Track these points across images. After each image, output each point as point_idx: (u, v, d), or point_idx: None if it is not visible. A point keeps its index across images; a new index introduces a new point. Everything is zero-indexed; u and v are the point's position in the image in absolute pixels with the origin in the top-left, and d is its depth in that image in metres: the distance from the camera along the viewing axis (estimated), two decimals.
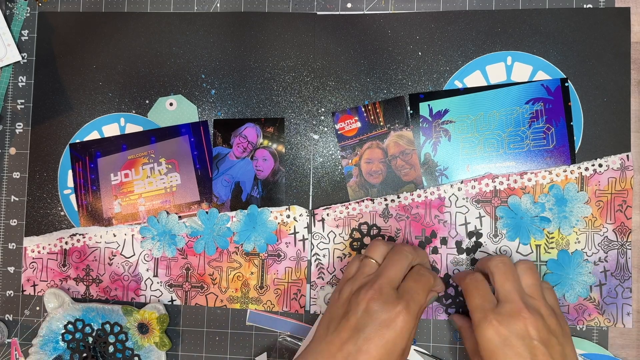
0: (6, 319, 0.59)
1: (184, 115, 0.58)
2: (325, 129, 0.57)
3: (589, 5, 0.55)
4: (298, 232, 0.56)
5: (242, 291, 0.57)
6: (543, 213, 0.54)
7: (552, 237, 0.54)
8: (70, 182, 0.59)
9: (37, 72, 0.59)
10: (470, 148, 0.55)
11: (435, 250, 0.55)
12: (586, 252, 0.54)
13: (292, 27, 0.57)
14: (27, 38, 0.60)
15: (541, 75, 0.55)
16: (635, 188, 0.54)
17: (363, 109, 0.56)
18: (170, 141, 0.58)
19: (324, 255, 0.56)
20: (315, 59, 0.57)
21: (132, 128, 0.59)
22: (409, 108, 0.56)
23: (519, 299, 0.45)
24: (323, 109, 0.57)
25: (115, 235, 0.58)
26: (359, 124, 0.57)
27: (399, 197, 0.56)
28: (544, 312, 0.45)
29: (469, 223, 0.55)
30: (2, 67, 0.59)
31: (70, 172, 0.59)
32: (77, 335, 0.56)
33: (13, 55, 0.59)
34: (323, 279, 0.56)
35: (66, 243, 0.58)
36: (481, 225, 0.55)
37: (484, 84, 0.56)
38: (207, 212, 0.57)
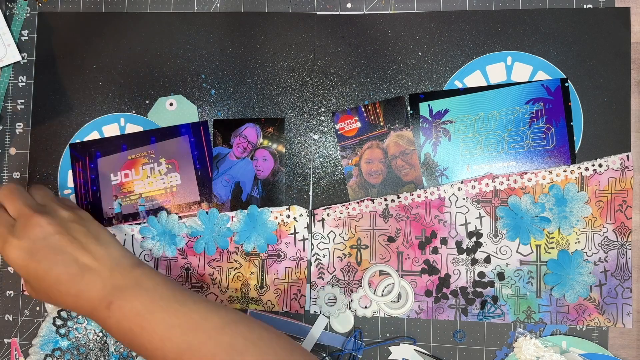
0: (6, 319, 0.59)
1: (184, 115, 0.58)
2: (325, 129, 0.57)
3: (589, 5, 0.55)
4: (298, 232, 0.56)
5: (242, 291, 0.57)
6: (543, 213, 0.54)
7: (552, 237, 0.54)
8: (70, 182, 0.59)
9: (37, 72, 0.59)
10: (470, 148, 0.55)
11: (435, 250, 0.55)
12: (586, 252, 0.54)
13: (292, 27, 0.57)
14: (27, 38, 0.60)
15: (541, 75, 0.55)
16: (635, 188, 0.54)
17: (363, 109, 0.56)
18: (170, 141, 0.58)
19: (324, 255, 0.56)
20: (315, 59, 0.57)
21: (132, 128, 0.59)
22: (409, 108, 0.56)
23: (29, 209, 0.47)
24: (323, 109, 0.57)
25: (115, 235, 0.58)
26: (359, 124, 0.57)
27: (399, 197, 0.56)
28: (59, 209, 0.48)
29: (469, 223, 0.55)
30: (2, 67, 0.59)
31: (70, 172, 0.59)
32: (76, 334, 0.56)
33: (13, 55, 0.59)
34: (323, 279, 0.56)
35: None
36: (481, 225, 0.55)
37: (484, 84, 0.56)
38: (207, 212, 0.57)
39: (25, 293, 0.54)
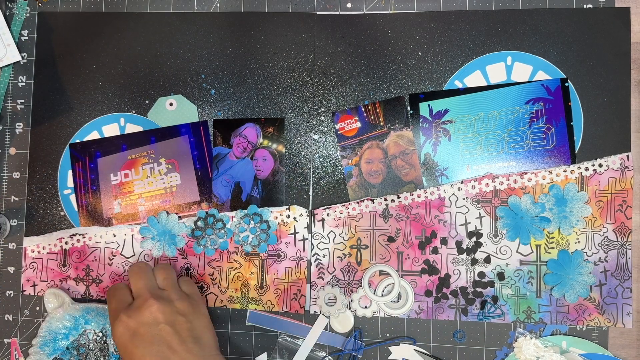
0: (6, 319, 0.59)
1: (184, 115, 0.58)
2: (325, 129, 0.57)
3: (589, 5, 0.55)
4: (298, 232, 0.56)
5: (242, 291, 0.57)
6: (543, 213, 0.54)
7: (552, 237, 0.54)
8: (70, 182, 0.59)
9: (37, 72, 0.59)
10: (470, 148, 0.55)
11: (435, 250, 0.55)
12: (586, 252, 0.54)
13: (292, 27, 0.57)
14: (27, 38, 0.60)
15: (541, 75, 0.55)
16: (635, 188, 0.54)
17: (363, 109, 0.56)
18: (170, 141, 0.58)
19: (324, 255, 0.56)
20: (315, 59, 0.57)
21: (132, 128, 0.59)
22: (409, 108, 0.56)
23: (147, 292, 0.49)
24: (323, 109, 0.57)
25: (115, 235, 0.58)
26: (359, 124, 0.56)
27: (399, 197, 0.56)
28: (174, 298, 0.50)
29: (469, 223, 0.55)
30: (2, 67, 0.59)
31: (70, 172, 0.59)
32: (77, 335, 0.56)
33: (13, 55, 0.59)
34: (323, 279, 0.56)
35: (66, 243, 0.58)
36: (481, 225, 0.55)
37: (484, 84, 0.56)
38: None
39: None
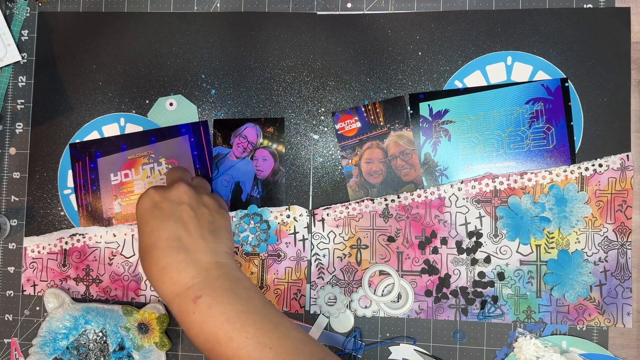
0: (6, 319, 0.59)
1: (184, 115, 0.58)
2: (325, 129, 0.57)
3: (589, 5, 0.55)
4: (298, 232, 0.56)
5: None
6: (543, 213, 0.54)
7: (552, 237, 0.54)
8: (70, 182, 0.59)
9: (37, 72, 0.59)
10: (470, 148, 0.55)
11: (435, 250, 0.55)
12: (586, 252, 0.54)
13: (292, 27, 0.57)
14: (27, 38, 0.60)
15: (541, 75, 0.55)
16: (635, 188, 0.54)
17: (363, 109, 0.56)
18: (170, 141, 0.58)
19: (324, 255, 0.56)
20: (315, 59, 0.57)
21: (132, 128, 0.59)
22: (409, 108, 0.56)
23: (180, 179, 0.48)
24: (323, 109, 0.57)
25: (115, 235, 0.58)
26: (359, 124, 0.56)
27: (399, 197, 0.56)
28: (205, 193, 0.49)
29: (469, 223, 0.55)
30: (2, 67, 0.59)
31: (70, 172, 0.59)
32: (77, 335, 0.56)
33: (13, 55, 0.59)
34: (323, 279, 0.56)
35: (66, 243, 0.58)
36: (481, 225, 0.55)
37: (484, 84, 0.56)
38: None
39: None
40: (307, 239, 0.56)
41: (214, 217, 0.47)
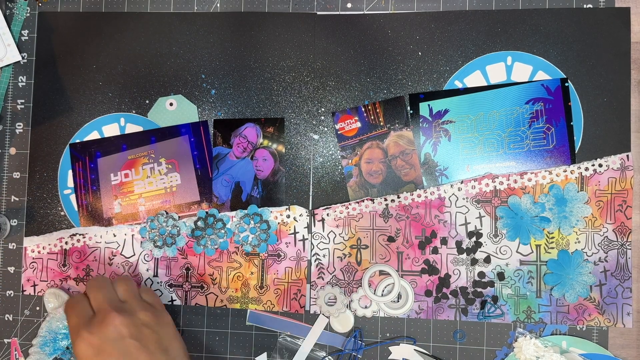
0: (6, 319, 0.59)
1: (184, 115, 0.58)
2: (325, 129, 0.57)
3: (589, 5, 0.55)
4: (298, 232, 0.56)
5: (242, 291, 0.57)
6: (543, 213, 0.54)
7: (552, 237, 0.54)
8: (70, 182, 0.59)
9: (37, 72, 0.59)
10: (470, 148, 0.55)
11: (435, 250, 0.55)
12: (586, 252, 0.54)
13: (292, 27, 0.57)
14: (27, 38, 0.60)
15: (541, 75, 0.55)
16: (635, 188, 0.54)
17: (363, 109, 0.56)
18: (170, 141, 0.58)
19: (324, 255, 0.56)
20: (315, 59, 0.57)
21: (132, 128, 0.59)
22: (409, 108, 0.56)
23: (108, 305, 0.47)
24: (323, 109, 0.57)
25: (115, 235, 0.58)
26: (359, 124, 0.57)
27: (399, 197, 0.56)
28: (137, 309, 0.48)
29: (469, 223, 0.55)
30: (2, 67, 0.59)
31: (70, 172, 0.59)
32: None
33: (13, 55, 0.59)
34: (323, 279, 0.56)
35: (66, 243, 0.58)
36: (481, 225, 0.55)
37: (484, 84, 0.56)
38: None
39: None
40: (307, 239, 0.56)
41: (158, 334, 0.47)
